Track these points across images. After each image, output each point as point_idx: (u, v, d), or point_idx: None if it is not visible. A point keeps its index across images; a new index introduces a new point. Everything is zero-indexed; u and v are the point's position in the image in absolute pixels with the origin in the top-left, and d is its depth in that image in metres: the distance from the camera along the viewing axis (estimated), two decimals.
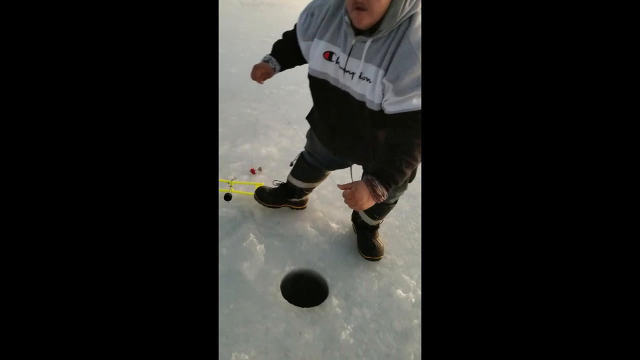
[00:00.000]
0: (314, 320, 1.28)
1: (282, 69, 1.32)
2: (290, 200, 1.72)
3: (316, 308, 1.32)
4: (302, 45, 1.14)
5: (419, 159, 1.00)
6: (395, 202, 1.46)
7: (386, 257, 1.55)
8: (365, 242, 1.54)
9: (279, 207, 1.73)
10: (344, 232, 1.66)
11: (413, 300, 1.37)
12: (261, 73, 1.28)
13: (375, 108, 1.02)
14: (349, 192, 1.02)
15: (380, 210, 1.47)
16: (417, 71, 0.91)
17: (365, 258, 1.52)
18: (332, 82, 1.11)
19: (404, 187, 1.35)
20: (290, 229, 1.64)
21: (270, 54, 1.30)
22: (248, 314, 1.27)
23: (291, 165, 1.62)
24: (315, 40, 1.08)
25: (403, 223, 1.77)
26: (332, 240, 1.61)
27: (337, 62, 1.06)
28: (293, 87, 3.20)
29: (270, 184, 1.90)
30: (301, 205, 1.76)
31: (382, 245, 1.56)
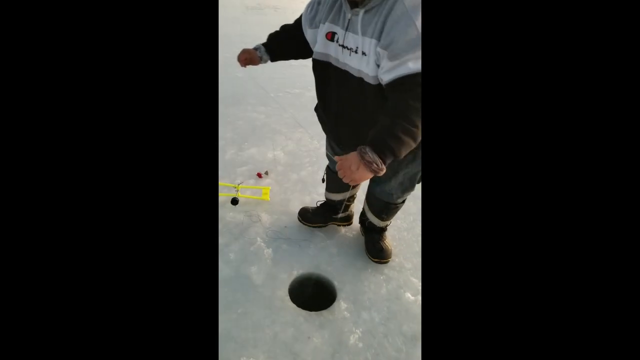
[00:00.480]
0: (323, 324, 1.27)
1: (272, 60, 1.33)
2: (335, 217, 1.67)
3: (324, 312, 1.32)
4: (309, 33, 1.16)
5: (419, 124, 0.89)
6: (403, 201, 1.44)
7: (394, 260, 1.54)
8: (373, 245, 1.53)
9: (325, 226, 1.69)
10: (351, 235, 1.65)
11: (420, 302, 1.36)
12: (245, 57, 1.28)
13: (372, 82, 1.00)
14: (339, 162, 0.96)
15: (388, 210, 1.45)
16: (412, 33, 0.87)
17: (373, 261, 1.51)
18: (334, 63, 1.10)
19: (412, 187, 1.33)
20: (298, 233, 1.64)
21: (262, 43, 1.31)
22: (256, 319, 1.27)
23: (323, 181, 1.60)
24: (321, 25, 1.10)
25: (411, 225, 1.76)
26: (339, 243, 1.60)
27: (337, 41, 1.06)
28: (299, 91, 3.21)
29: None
30: (347, 221, 1.71)
31: (390, 247, 1.54)
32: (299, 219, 1.68)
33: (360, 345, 1.21)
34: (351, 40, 1.01)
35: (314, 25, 1.13)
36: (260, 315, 1.28)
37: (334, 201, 1.61)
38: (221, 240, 1.57)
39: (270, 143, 2.37)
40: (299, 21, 1.24)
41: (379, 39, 0.93)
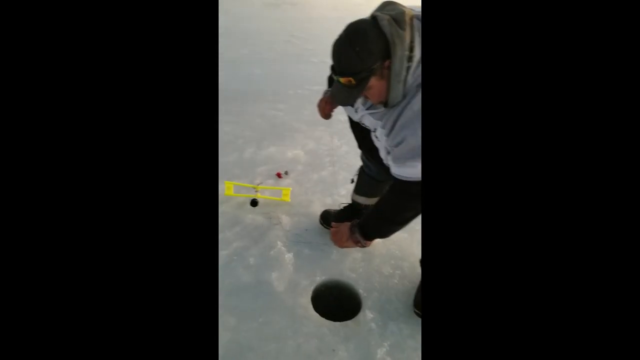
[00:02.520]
0: (348, 336, 1.20)
1: None
2: None
3: (350, 323, 1.24)
4: None
5: (404, 219, 1.10)
6: None
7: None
8: (421, 293, 1.29)
9: None
10: (376, 241, 1.56)
11: None
12: (327, 106, 1.27)
13: (385, 162, 1.09)
14: (334, 229, 1.24)
15: None
16: (413, 142, 0.91)
17: (415, 312, 1.27)
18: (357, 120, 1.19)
19: None
20: (319, 236, 1.56)
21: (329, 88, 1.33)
22: (278, 329, 1.21)
23: (352, 182, 1.52)
24: None
25: None
26: (364, 249, 1.52)
27: (355, 111, 1.12)
28: (318, 87, 3.13)
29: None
30: None
31: None
32: (320, 222, 1.61)
33: (389, 359, 1.13)
34: (368, 121, 1.08)
35: None
36: (283, 325, 1.22)
37: (360, 205, 1.53)
38: (240, 243, 1.51)
39: (289, 142, 2.30)
40: None
41: (388, 135, 0.99)
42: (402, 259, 1.48)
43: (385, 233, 1.16)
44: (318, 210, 1.68)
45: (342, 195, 1.80)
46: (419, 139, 0.90)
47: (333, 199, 1.78)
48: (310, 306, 1.29)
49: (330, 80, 1.29)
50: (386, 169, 1.23)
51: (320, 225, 1.61)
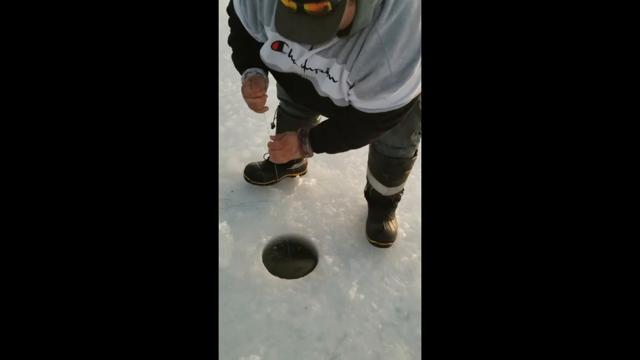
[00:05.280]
0: (316, 288, 1.13)
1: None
2: (290, 169, 1.42)
3: (312, 274, 1.17)
4: (260, 37, 0.95)
5: (361, 144, 1.06)
6: (410, 159, 1.17)
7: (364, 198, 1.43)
8: (372, 222, 1.27)
9: (279, 181, 1.42)
10: (311, 184, 1.47)
11: (404, 235, 1.31)
12: (257, 90, 0.98)
13: (339, 104, 0.94)
14: (279, 141, 1.05)
15: (389, 167, 1.17)
16: (384, 72, 0.80)
17: (370, 242, 1.26)
18: (286, 71, 0.95)
19: (409, 139, 1.12)
20: (250, 195, 1.39)
21: (245, 70, 1.02)
22: (239, 307, 1.06)
23: (273, 126, 1.30)
24: (265, 27, 0.89)
25: None
26: (302, 195, 1.41)
27: (289, 56, 0.89)
28: None
29: None
30: (302, 170, 1.47)
31: (394, 230, 1.26)
32: (246, 178, 1.41)
33: (362, 296, 1.11)
34: (317, 62, 0.87)
35: (258, 28, 0.92)
36: (243, 301, 1.07)
37: None
38: None
39: None
40: (239, 27, 0.97)
41: (350, 69, 0.84)
42: (341, 195, 1.44)
43: (335, 151, 1.09)
44: (238, 167, 1.47)
45: (259, 144, 1.60)
46: (390, 67, 0.78)
47: (251, 151, 1.57)
48: (266, 271, 1.16)
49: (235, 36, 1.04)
50: (324, 109, 1.08)
51: (246, 183, 1.42)
